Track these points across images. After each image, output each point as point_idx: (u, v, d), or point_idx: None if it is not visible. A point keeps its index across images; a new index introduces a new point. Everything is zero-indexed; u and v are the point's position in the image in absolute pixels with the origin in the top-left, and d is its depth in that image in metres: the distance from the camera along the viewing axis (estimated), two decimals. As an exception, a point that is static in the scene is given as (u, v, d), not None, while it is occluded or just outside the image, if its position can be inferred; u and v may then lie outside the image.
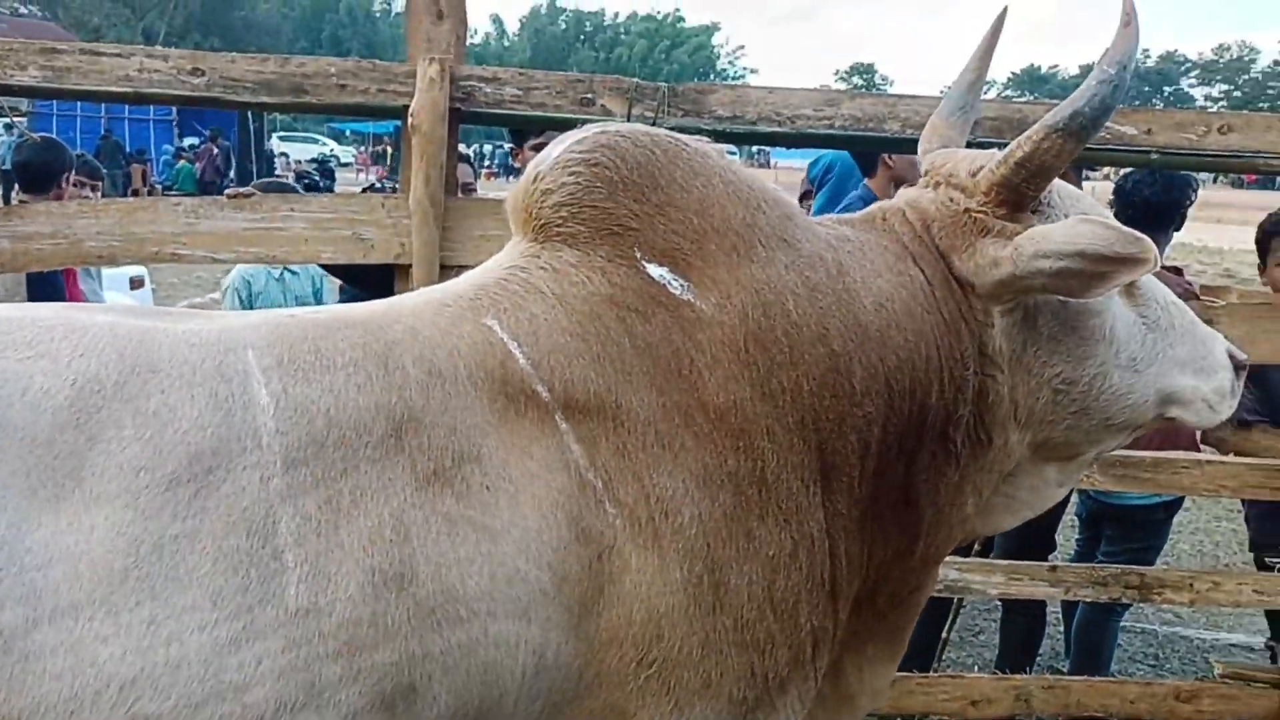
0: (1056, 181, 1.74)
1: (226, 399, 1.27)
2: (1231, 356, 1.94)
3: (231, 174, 25.95)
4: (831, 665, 1.75)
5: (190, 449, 1.23)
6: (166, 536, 1.19)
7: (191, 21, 54.87)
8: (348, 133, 47.66)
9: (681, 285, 1.54)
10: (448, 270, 2.73)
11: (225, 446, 1.24)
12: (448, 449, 1.34)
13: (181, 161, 24.79)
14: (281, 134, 37.73)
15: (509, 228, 1.70)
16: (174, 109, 25.72)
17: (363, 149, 43.62)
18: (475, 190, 4.23)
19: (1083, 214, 1.72)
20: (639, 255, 1.55)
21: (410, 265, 2.80)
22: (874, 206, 1.87)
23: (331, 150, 40.24)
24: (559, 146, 1.61)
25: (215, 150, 24.64)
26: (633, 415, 1.45)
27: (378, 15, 76.55)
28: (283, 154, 33.54)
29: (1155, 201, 3.71)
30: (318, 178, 28.39)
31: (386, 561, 1.26)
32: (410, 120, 2.74)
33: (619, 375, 1.46)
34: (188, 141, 27.25)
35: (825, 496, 1.59)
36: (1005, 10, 2.04)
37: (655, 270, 1.54)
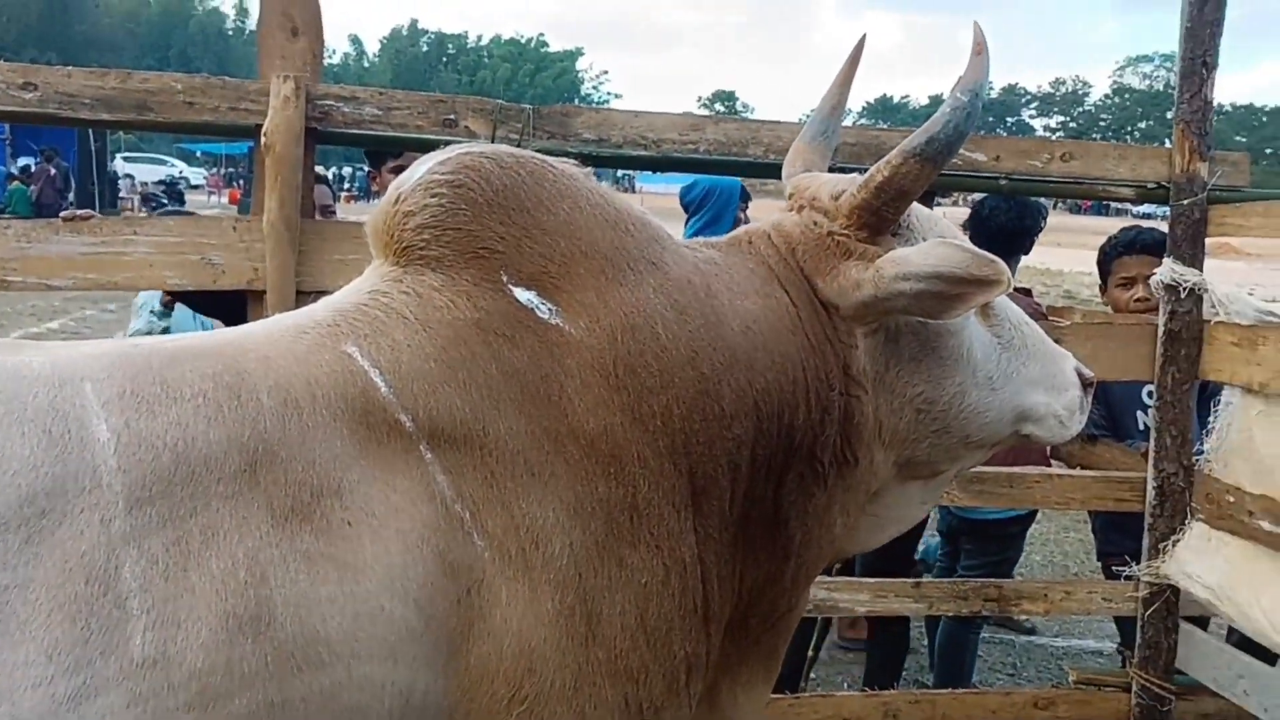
0: (915, 205, 1.78)
1: (61, 436, 1.16)
2: (1080, 374, 2.03)
3: (71, 196, 24.70)
4: (707, 689, 1.73)
5: (20, 491, 1.12)
6: None
7: (27, 35, 52.17)
8: (198, 154, 45.99)
9: (549, 309, 1.51)
10: (304, 296, 2.62)
11: (60, 487, 1.14)
12: (306, 483, 1.26)
13: (15, 183, 23.41)
14: (126, 154, 36.13)
15: (369, 251, 1.63)
16: (6, 127, 24.32)
17: (215, 170, 42.15)
18: (335, 213, 4.09)
19: (940, 237, 1.77)
20: (505, 279, 1.50)
21: (264, 291, 2.67)
22: (740, 230, 1.88)
23: (180, 172, 38.80)
24: (421, 167, 1.56)
25: (53, 171, 23.36)
26: (500, 443, 1.40)
27: (230, 34, 74.30)
28: (127, 175, 32.14)
29: (1010, 227, 3.87)
30: (166, 200, 27.32)
31: (242, 605, 1.18)
32: (263, 140, 2.62)
33: (486, 402, 1.41)
34: (22, 162, 25.77)
35: (697, 521, 1.58)
36: (864, 38, 2.11)
37: (522, 294, 1.50)
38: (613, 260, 1.56)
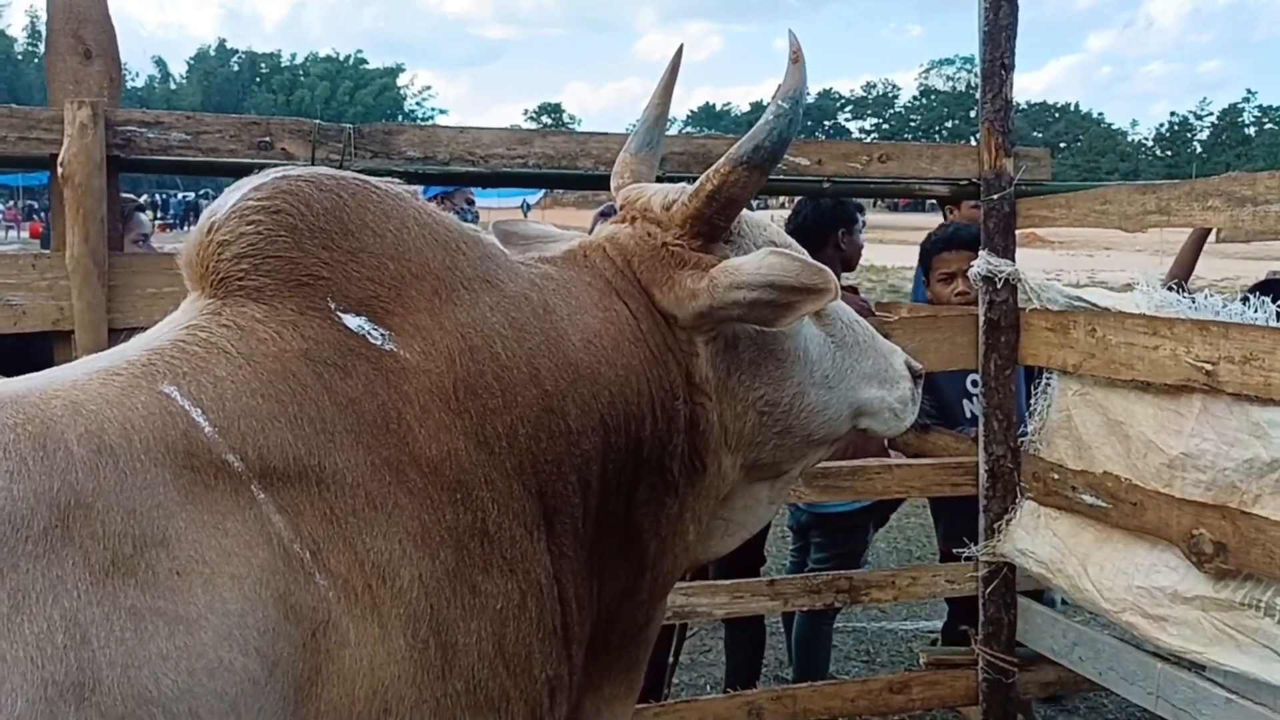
0: (744, 212, 1.81)
1: None
2: (909, 367, 2.10)
3: None
4: (571, 710, 1.70)
5: None
6: None
7: None
8: (-7, 186, 43.02)
9: (382, 335, 1.45)
10: (117, 334, 2.46)
11: None
12: (126, 534, 1.17)
13: None
14: (-89, 190, 33.49)
15: (181, 283, 1.53)
16: None
17: (11, 203, 39.50)
18: (149, 242, 3.87)
19: (770, 243, 1.80)
20: (333, 306, 1.44)
21: (73, 331, 2.50)
22: (575, 243, 1.87)
23: (-26, 207, 36.20)
24: (234, 194, 1.47)
25: None
26: (339, 477, 1.34)
27: (20, 58, 69.85)
28: (-87, 212, 29.82)
29: (802, 228, 4.00)
30: (-41, 237, 25.43)
31: (61, 670, 1.08)
32: (60, 170, 2.45)
33: (320, 436, 1.35)
34: None
35: (550, 541, 1.55)
36: (681, 47, 2.14)
37: (352, 321, 1.44)
38: (446, 280, 1.52)
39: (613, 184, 2.01)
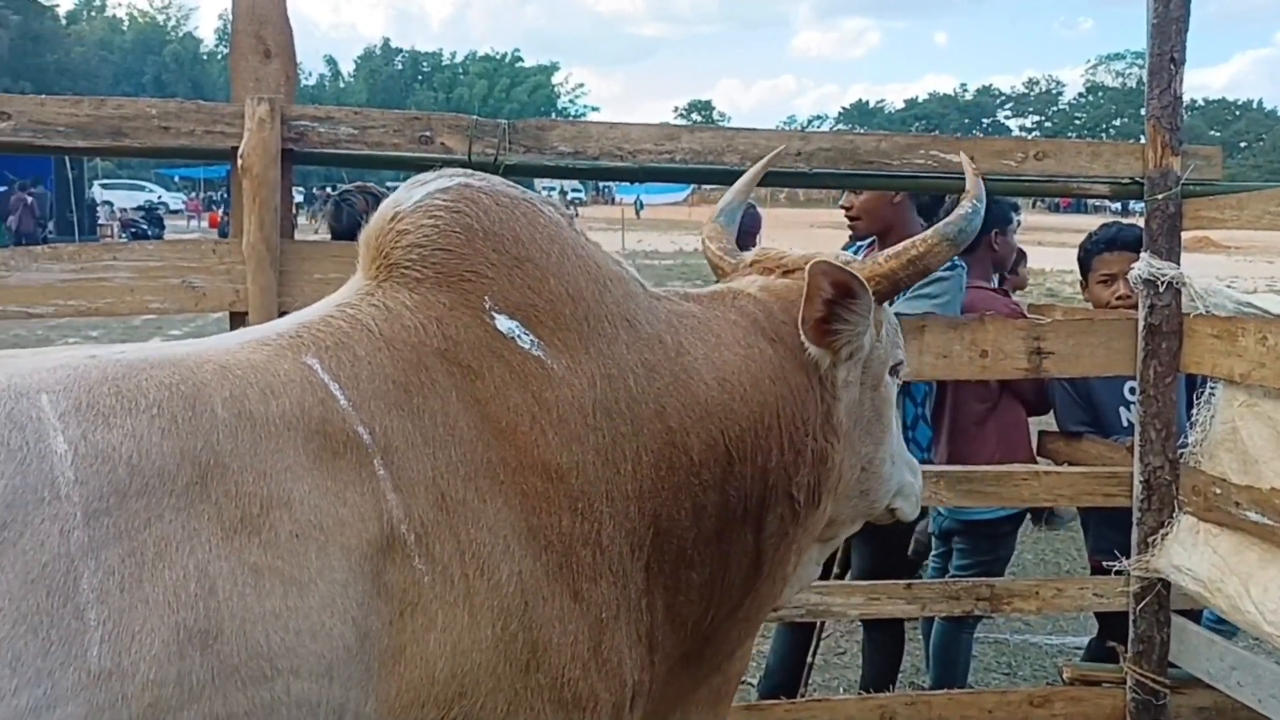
0: None
1: (19, 448, 1.17)
2: None
3: (51, 224, 24.57)
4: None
5: None
6: None
7: (0, 67, 51.99)
8: (176, 179, 45.84)
9: (532, 341, 1.54)
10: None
11: (20, 499, 1.14)
12: (256, 495, 1.27)
13: (-10, 214, 23.29)
14: (104, 181, 35.97)
15: (347, 270, 1.64)
16: (-17, 157, 24.18)
17: (194, 195, 42.01)
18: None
19: (892, 315, 2.05)
20: (489, 304, 1.53)
21: (246, 313, 2.67)
22: (722, 286, 1.99)
23: (159, 197, 38.65)
24: (420, 189, 1.59)
25: (30, 199, 23.22)
26: (453, 470, 1.42)
27: (205, 58, 74.17)
28: (106, 202, 32.00)
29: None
30: (145, 226, 27.20)
31: (192, 617, 1.18)
32: (240, 162, 2.62)
33: (442, 429, 1.43)
34: (-1, 190, 25.66)
35: (652, 558, 1.62)
36: (781, 150, 2.59)
37: (504, 323, 1.53)
38: (594, 311, 1.61)
39: (704, 244, 2.21)
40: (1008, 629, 5.26)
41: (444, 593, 1.36)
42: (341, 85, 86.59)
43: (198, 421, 1.27)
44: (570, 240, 1.65)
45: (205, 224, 29.70)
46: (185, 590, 1.18)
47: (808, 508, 1.83)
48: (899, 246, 1.93)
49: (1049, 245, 21.62)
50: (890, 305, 2.03)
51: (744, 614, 1.84)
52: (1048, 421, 3.97)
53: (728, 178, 3.10)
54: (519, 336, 1.53)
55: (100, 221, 28.50)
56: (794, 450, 1.78)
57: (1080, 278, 3.92)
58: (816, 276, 1.72)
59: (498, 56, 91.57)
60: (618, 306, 1.65)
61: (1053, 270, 20.59)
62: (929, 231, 1.92)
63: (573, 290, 1.59)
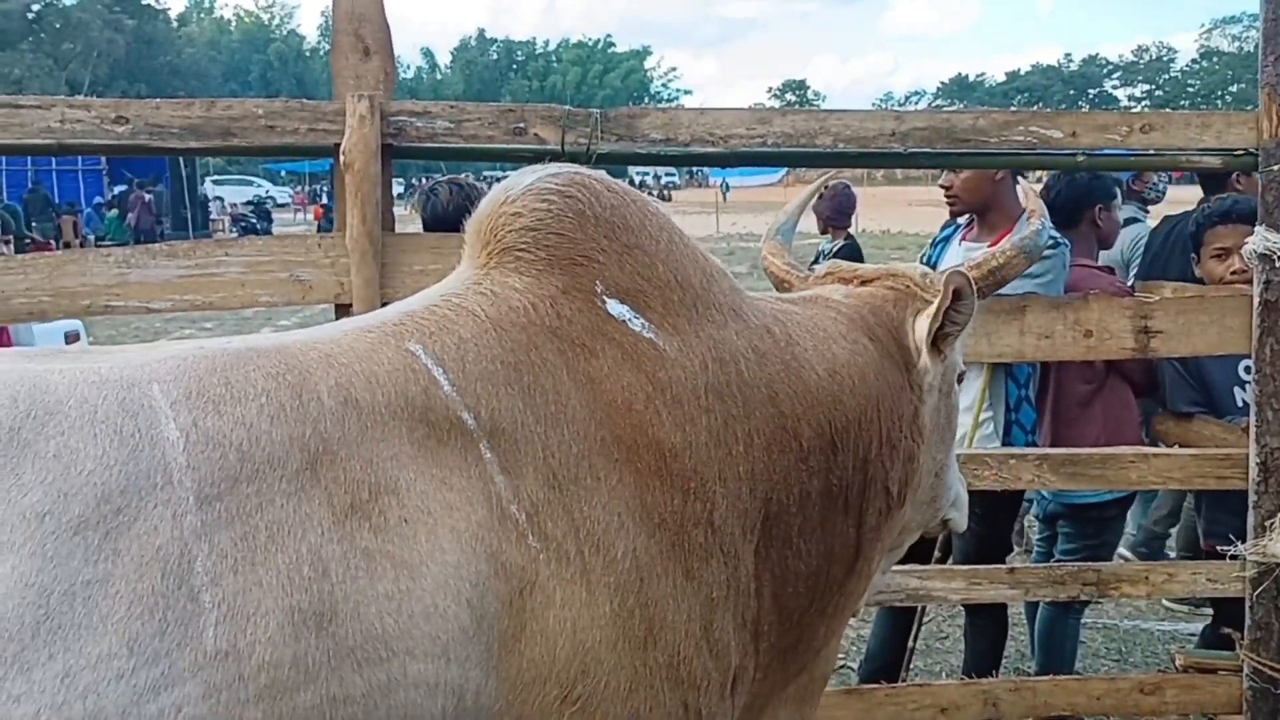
0: None
1: (132, 435, 1.21)
2: None
3: (167, 220, 25.55)
4: (756, 713, 1.81)
5: (97, 490, 1.17)
6: (78, 583, 1.13)
7: (117, 69, 54.20)
8: (283, 173, 47.21)
9: (643, 324, 1.56)
10: (389, 308, 2.69)
11: (134, 485, 1.18)
12: (364, 481, 1.30)
13: (111, 211, 24.33)
14: (215, 177, 37.27)
15: (449, 262, 1.68)
16: (103, 158, 25.27)
17: (299, 189, 43.24)
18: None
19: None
20: (600, 289, 1.56)
21: (351, 304, 2.76)
22: (810, 292, 2.06)
23: (267, 192, 39.86)
24: (530, 175, 1.63)
25: (148, 196, 24.20)
26: (565, 448, 1.43)
27: (308, 55, 76.09)
28: (217, 198, 33.14)
29: (1054, 204, 3.76)
30: (254, 220, 28.10)
31: (306, 600, 1.21)
32: (342, 158, 2.71)
33: (552, 407, 1.44)
34: (118, 190, 26.76)
35: (761, 542, 1.63)
36: (824, 180, 2.75)
37: (615, 307, 1.56)
38: (702, 299, 1.64)
39: (765, 260, 2.27)
40: (1118, 614, 5.12)
41: (560, 570, 1.38)
42: (439, 77, 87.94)
43: (305, 409, 1.30)
44: (675, 233, 1.68)
45: (310, 217, 30.52)
46: (299, 573, 1.22)
47: (896, 507, 1.88)
48: (980, 256, 2.06)
49: (1159, 219, 20.76)
50: None
51: (832, 610, 1.86)
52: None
53: (821, 161, 3.09)
54: (630, 320, 1.56)
55: (212, 216, 29.53)
56: (890, 445, 1.82)
57: (1192, 253, 3.78)
58: (950, 286, 1.81)
59: (590, 43, 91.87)
60: (724, 297, 1.68)
61: (1164, 245, 19.79)
62: (1007, 245, 2.07)
63: (681, 277, 1.62)
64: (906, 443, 1.87)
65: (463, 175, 4.71)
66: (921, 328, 1.88)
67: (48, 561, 1.12)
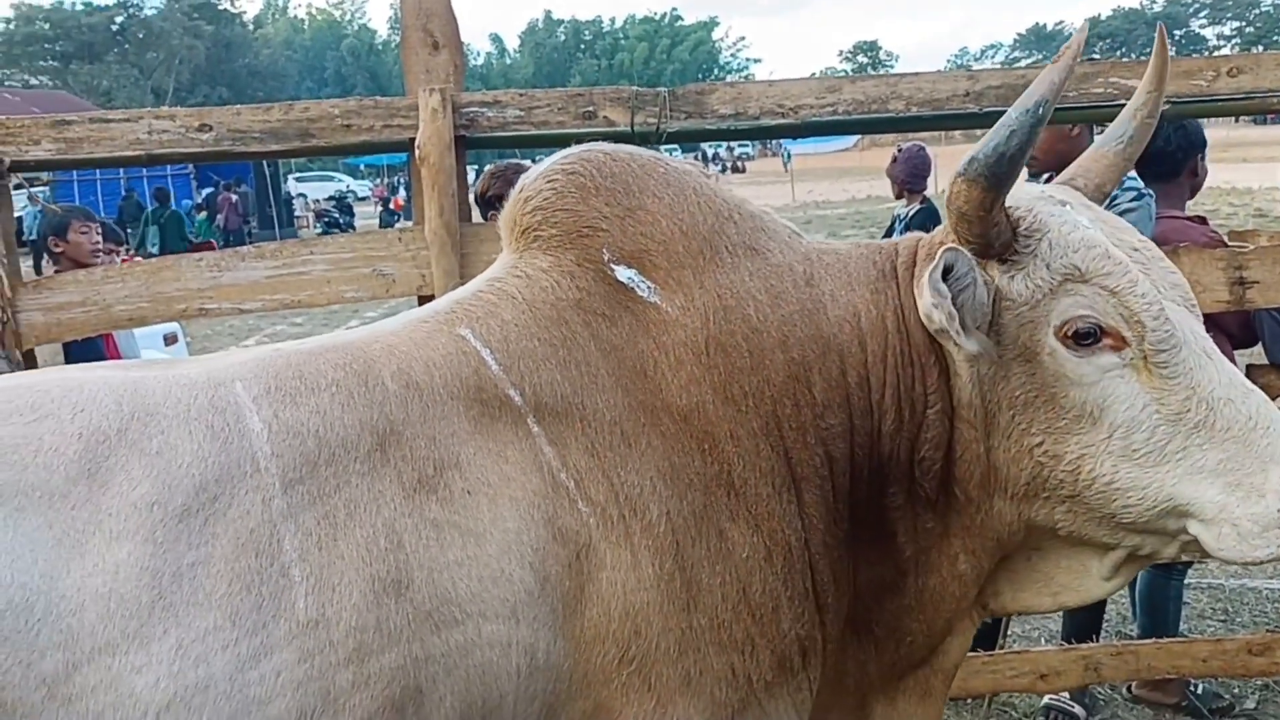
0: (1053, 231, 1.59)
1: (222, 430, 1.35)
2: None
3: (253, 220, 26.22)
4: (860, 706, 1.81)
5: (195, 480, 1.30)
6: (184, 564, 1.25)
7: (198, 75, 55.68)
8: (361, 166, 48.03)
9: (648, 288, 1.61)
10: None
11: (226, 474, 1.32)
12: (429, 458, 1.41)
13: (202, 214, 25.07)
14: (297, 175, 38.09)
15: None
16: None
17: (379, 182, 43.95)
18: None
19: (1074, 267, 1.57)
20: (607, 257, 1.61)
21: (433, 295, 2.81)
22: (889, 241, 1.80)
23: (348, 186, 40.60)
24: (545, 162, 1.71)
25: (235, 198, 24.89)
26: (599, 415, 1.51)
27: (379, 48, 77.14)
28: (300, 195, 33.86)
29: (1165, 151, 3.61)
30: (337, 215, 28.68)
31: (384, 569, 1.33)
32: (417, 153, 2.76)
33: (584, 377, 1.52)
34: (206, 192, 27.54)
35: (800, 507, 1.61)
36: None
37: (624, 273, 1.61)
38: (711, 243, 1.64)
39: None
40: (1223, 574, 4.98)
41: (607, 533, 1.46)
42: (508, 62, 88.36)
43: (372, 395, 1.42)
44: (691, 183, 1.68)
45: (391, 208, 31.05)
46: (376, 545, 1.33)
47: (948, 499, 1.68)
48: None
49: (1255, 161, 19.99)
50: (1033, 258, 1.58)
51: (910, 602, 1.74)
52: (1256, 354, 3.73)
53: (893, 126, 3.05)
54: (637, 285, 1.61)
55: (297, 214, 30.22)
56: (914, 422, 1.64)
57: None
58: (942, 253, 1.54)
59: (656, 18, 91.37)
60: (741, 237, 1.67)
61: (1261, 189, 19.06)
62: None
63: (687, 226, 1.64)
64: (941, 424, 1.64)
65: (510, 161, 4.80)
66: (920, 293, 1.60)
67: (158, 547, 1.25)
